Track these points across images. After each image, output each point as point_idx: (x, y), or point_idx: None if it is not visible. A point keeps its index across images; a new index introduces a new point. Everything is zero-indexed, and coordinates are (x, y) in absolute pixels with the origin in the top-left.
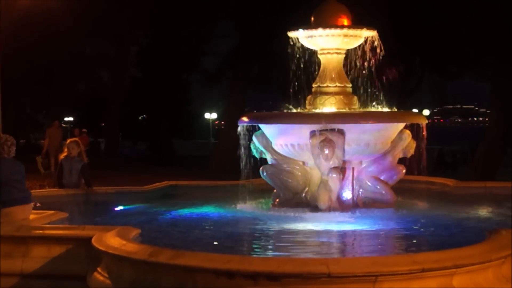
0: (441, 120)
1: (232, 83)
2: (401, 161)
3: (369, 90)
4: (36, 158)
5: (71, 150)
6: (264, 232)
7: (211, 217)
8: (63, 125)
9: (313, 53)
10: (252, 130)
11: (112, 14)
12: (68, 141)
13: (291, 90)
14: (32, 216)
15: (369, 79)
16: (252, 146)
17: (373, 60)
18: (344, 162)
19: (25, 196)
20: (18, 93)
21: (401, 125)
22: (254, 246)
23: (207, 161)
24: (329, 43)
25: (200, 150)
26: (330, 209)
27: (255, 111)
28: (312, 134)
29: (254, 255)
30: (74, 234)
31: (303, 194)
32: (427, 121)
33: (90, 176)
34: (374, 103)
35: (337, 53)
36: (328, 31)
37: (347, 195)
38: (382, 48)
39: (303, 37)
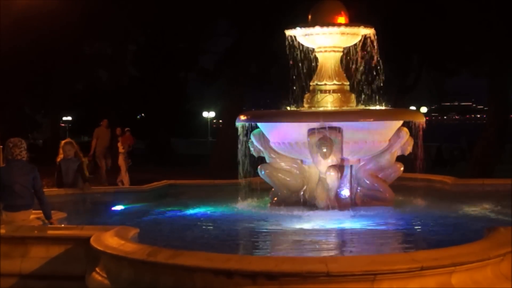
0: (439, 117)
1: (230, 82)
2: (399, 158)
3: (367, 87)
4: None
5: (68, 152)
6: (262, 231)
7: (209, 216)
8: (62, 124)
9: (311, 51)
10: (250, 128)
11: (110, 13)
12: (63, 143)
13: (289, 88)
14: (32, 216)
15: (367, 77)
16: (250, 145)
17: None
18: (342, 160)
19: (25, 204)
20: (17, 92)
21: (399, 123)
22: (253, 245)
23: (205, 160)
24: (326, 41)
25: (198, 149)
26: (328, 207)
27: (253, 109)
28: (310, 132)
29: (253, 254)
30: (73, 234)
31: (301, 193)
32: (424, 119)
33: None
34: (372, 101)
35: (334, 51)
36: (326, 29)
37: (345, 193)
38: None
39: (300, 35)
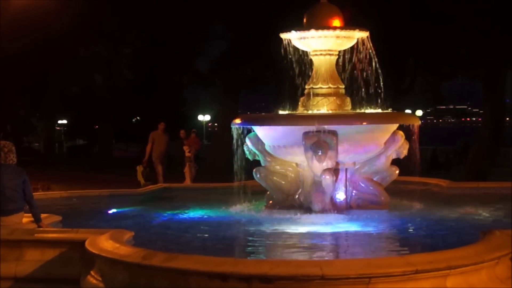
0: (434, 121)
1: (225, 85)
2: (395, 162)
3: (362, 91)
4: (136, 167)
5: None
6: (257, 234)
7: (204, 219)
8: (57, 127)
9: (306, 54)
10: (245, 132)
11: (106, 16)
12: None
13: (284, 91)
14: (25, 220)
15: (362, 80)
16: (245, 148)
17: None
18: (337, 163)
19: (17, 208)
20: (12, 95)
21: (394, 126)
22: (248, 248)
23: (200, 163)
24: (321, 44)
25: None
26: (323, 210)
27: (248, 112)
28: (305, 135)
29: (248, 258)
30: (68, 237)
31: (297, 196)
32: (420, 122)
33: None
34: (367, 104)
35: (329, 54)
36: (321, 32)
37: (340, 196)
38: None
39: (295, 38)
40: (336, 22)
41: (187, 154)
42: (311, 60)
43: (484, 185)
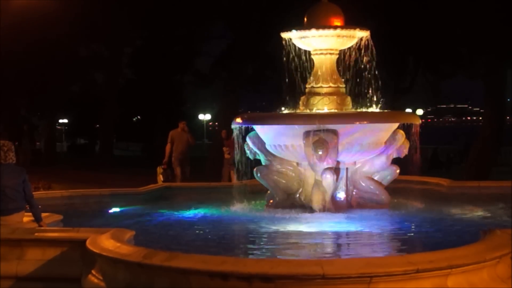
0: (435, 120)
1: (225, 84)
2: (395, 161)
3: (363, 90)
4: (156, 168)
5: None
6: (258, 233)
7: (205, 218)
8: (58, 127)
9: (306, 53)
10: (246, 131)
11: (106, 15)
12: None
13: (284, 90)
14: (26, 219)
15: (362, 79)
16: (246, 147)
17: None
18: (338, 162)
19: (18, 207)
20: (13, 95)
21: (395, 125)
22: (248, 247)
23: (201, 163)
24: (322, 43)
25: (194, 151)
26: (324, 210)
27: (249, 112)
28: (306, 134)
29: (248, 257)
30: (68, 236)
31: (297, 195)
32: (420, 121)
33: None
34: (367, 103)
35: (330, 53)
36: (321, 31)
37: (341, 195)
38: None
39: (296, 37)
40: (337, 21)
41: (226, 156)
42: (311, 59)
43: (485, 184)
